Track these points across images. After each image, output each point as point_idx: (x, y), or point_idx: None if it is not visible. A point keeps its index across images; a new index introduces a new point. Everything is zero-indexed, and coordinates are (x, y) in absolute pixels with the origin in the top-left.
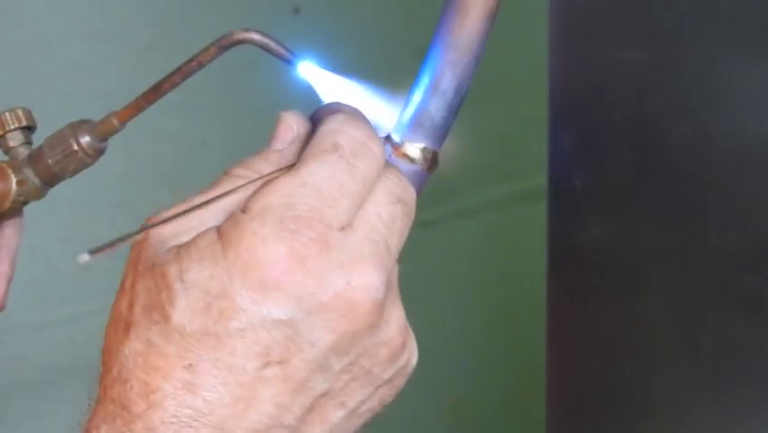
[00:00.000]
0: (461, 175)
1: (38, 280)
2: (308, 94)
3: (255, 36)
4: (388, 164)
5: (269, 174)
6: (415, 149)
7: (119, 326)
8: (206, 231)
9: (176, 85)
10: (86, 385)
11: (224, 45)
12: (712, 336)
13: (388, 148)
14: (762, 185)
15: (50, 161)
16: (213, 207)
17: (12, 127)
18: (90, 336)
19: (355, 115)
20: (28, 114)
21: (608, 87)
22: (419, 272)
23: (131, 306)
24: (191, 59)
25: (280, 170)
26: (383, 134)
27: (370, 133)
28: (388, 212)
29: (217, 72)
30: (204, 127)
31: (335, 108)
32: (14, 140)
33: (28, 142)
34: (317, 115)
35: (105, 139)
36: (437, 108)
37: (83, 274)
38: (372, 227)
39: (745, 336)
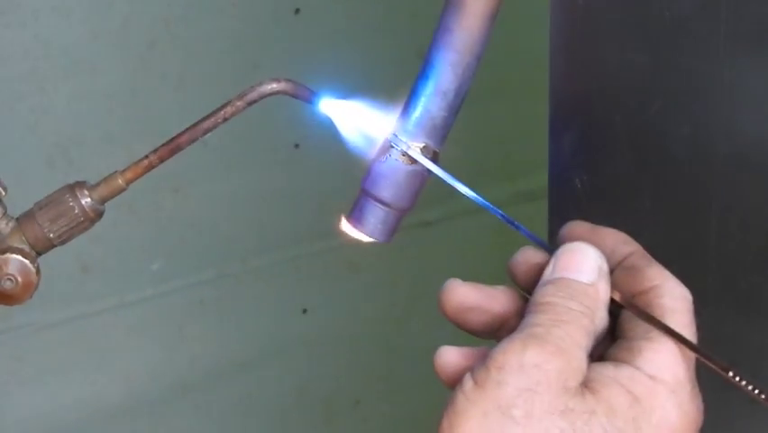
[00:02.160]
0: (461, 175)
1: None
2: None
3: (286, 86)
4: None
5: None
6: (415, 149)
7: None
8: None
9: (194, 141)
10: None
11: (253, 100)
12: (713, 334)
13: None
14: (761, 185)
15: (46, 230)
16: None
17: None
18: (90, 337)
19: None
20: None
21: (608, 88)
22: (420, 273)
23: None
24: (214, 114)
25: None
26: (384, 135)
27: None
28: None
29: (216, 73)
30: None
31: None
32: None
33: (5, 213)
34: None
35: (106, 201)
36: (438, 108)
37: (84, 276)
38: None
39: (744, 335)
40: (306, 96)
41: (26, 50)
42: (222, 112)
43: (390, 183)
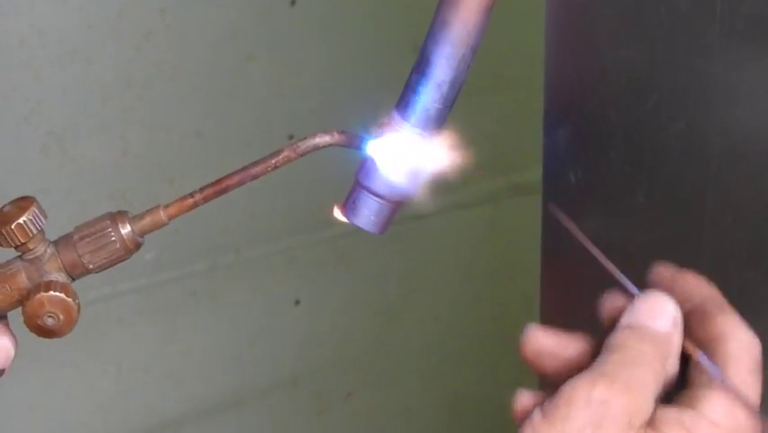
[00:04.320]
0: (455, 168)
1: None
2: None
3: (340, 138)
4: None
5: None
6: (410, 139)
7: None
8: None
9: (243, 184)
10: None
11: (306, 152)
12: None
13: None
14: (756, 181)
15: (85, 261)
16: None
17: (34, 232)
18: (82, 327)
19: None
20: (39, 207)
21: (603, 83)
22: (413, 266)
23: None
24: (264, 161)
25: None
26: (379, 127)
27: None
28: None
29: (212, 63)
30: (198, 119)
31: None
32: (36, 242)
33: (44, 237)
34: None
35: (146, 234)
36: (433, 100)
37: None
38: None
39: None
40: (357, 143)
41: (21, 40)
42: (273, 161)
43: (384, 175)
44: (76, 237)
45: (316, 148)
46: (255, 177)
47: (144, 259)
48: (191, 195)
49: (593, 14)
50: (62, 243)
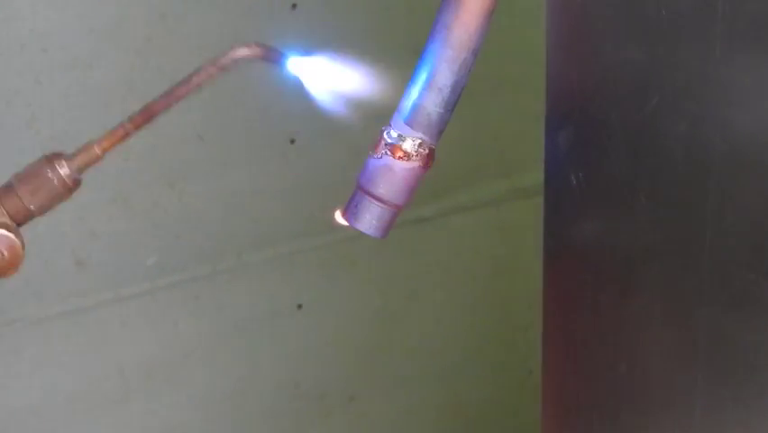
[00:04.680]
0: (457, 171)
1: (34, 276)
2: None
3: (257, 50)
4: None
5: None
6: (411, 145)
7: None
8: None
9: (168, 107)
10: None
11: (226, 65)
12: (707, 333)
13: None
14: (757, 182)
15: (26, 202)
16: None
17: None
18: (85, 332)
19: None
20: None
21: (604, 85)
22: (415, 268)
23: None
24: (187, 80)
25: None
26: (381, 130)
27: None
28: None
29: None
30: (200, 123)
31: None
32: None
33: None
34: None
35: (83, 170)
36: (434, 105)
37: (79, 270)
38: None
39: (740, 333)
40: (276, 57)
41: (22, 44)
42: (194, 78)
43: (386, 180)
44: (14, 181)
45: (235, 60)
46: (180, 98)
47: (147, 264)
48: (121, 125)
49: (594, 16)
50: (2, 190)
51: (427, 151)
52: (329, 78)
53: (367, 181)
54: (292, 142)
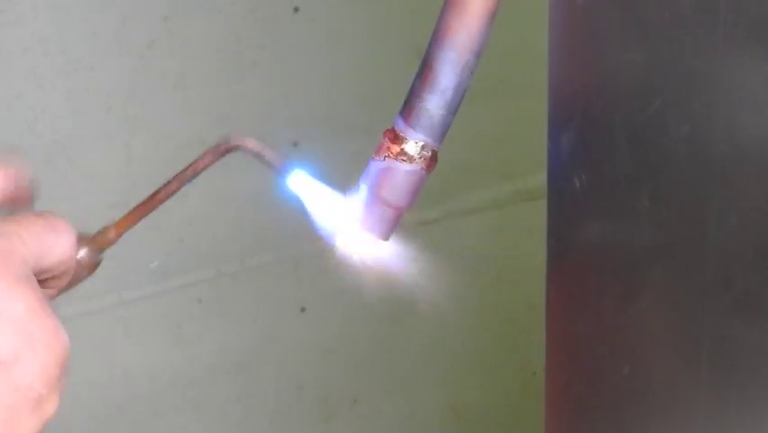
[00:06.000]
0: (460, 174)
1: None
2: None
3: (250, 144)
4: None
5: None
6: (413, 148)
7: None
8: None
9: (173, 193)
10: (84, 383)
11: (221, 152)
12: (711, 335)
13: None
14: (760, 184)
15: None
16: None
17: None
18: (88, 335)
19: None
20: None
21: (607, 87)
22: (418, 271)
23: None
24: (188, 168)
25: None
26: (383, 132)
27: None
28: None
29: (215, 71)
30: (202, 127)
31: None
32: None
33: None
34: None
35: (102, 251)
36: (436, 107)
37: None
38: None
39: (743, 335)
40: (274, 164)
41: (25, 48)
42: (194, 166)
43: (389, 182)
44: None
45: (235, 148)
46: (183, 183)
47: (150, 267)
48: (133, 210)
49: (596, 18)
50: None
51: (430, 153)
52: (329, 210)
53: (369, 184)
54: (295, 145)
